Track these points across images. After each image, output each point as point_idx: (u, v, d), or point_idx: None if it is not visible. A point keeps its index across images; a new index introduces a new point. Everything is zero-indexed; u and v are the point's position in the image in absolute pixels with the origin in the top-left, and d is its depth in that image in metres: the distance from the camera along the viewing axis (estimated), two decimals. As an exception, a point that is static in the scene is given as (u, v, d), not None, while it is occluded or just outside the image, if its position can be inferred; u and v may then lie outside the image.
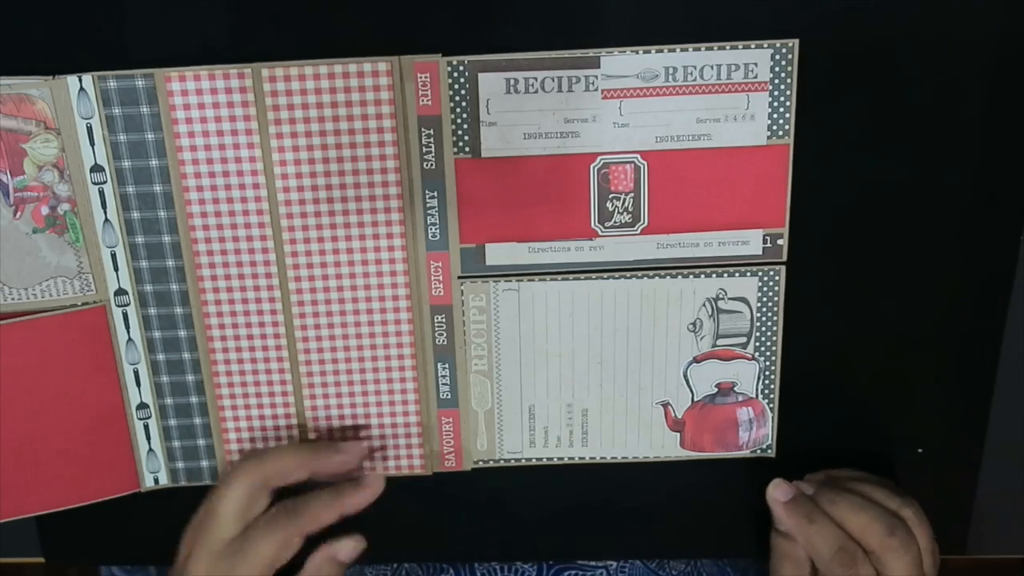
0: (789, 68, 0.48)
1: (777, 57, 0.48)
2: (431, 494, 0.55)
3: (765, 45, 0.48)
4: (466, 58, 0.48)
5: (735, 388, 0.54)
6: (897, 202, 0.51)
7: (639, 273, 0.52)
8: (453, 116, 0.49)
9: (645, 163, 0.50)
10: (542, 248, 0.51)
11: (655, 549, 0.59)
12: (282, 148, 0.49)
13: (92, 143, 0.49)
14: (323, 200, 0.50)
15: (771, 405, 0.54)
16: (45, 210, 0.50)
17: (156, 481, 0.55)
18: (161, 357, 0.53)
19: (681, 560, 0.61)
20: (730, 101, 0.49)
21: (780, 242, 0.51)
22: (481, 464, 0.55)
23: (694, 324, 0.53)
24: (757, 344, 0.53)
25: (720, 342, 0.53)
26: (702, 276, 0.52)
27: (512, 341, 0.53)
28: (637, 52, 0.48)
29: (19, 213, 0.49)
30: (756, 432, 0.55)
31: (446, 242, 0.51)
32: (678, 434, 0.55)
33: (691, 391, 0.54)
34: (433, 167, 0.50)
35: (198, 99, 0.48)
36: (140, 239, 0.51)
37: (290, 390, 0.53)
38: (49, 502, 0.54)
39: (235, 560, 0.48)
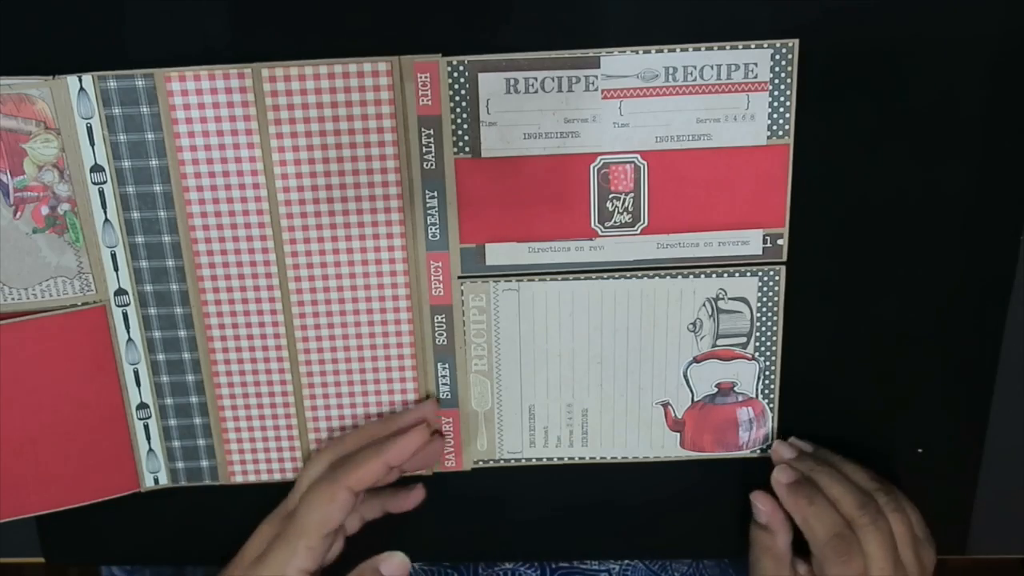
0: (789, 68, 0.48)
1: (777, 57, 0.48)
2: (431, 494, 0.55)
3: (765, 45, 0.48)
4: (466, 58, 0.48)
5: (735, 388, 0.54)
6: (897, 202, 0.51)
7: (639, 273, 0.52)
8: (453, 116, 0.49)
9: (645, 163, 0.50)
10: (542, 248, 0.51)
11: (655, 549, 0.59)
12: (282, 148, 0.49)
13: (92, 143, 0.49)
14: (323, 200, 0.50)
15: (771, 405, 0.54)
16: (45, 210, 0.50)
17: (156, 481, 0.55)
18: (161, 357, 0.53)
19: (684, 562, 0.61)
20: (730, 101, 0.49)
21: (780, 242, 0.51)
22: (481, 464, 0.55)
23: (694, 324, 0.53)
24: (757, 344, 0.53)
25: (720, 342, 0.53)
26: (702, 276, 0.52)
27: (512, 341, 0.53)
28: (637, 52, 0.48)
29: (19, 213, 0.49)
30: (756, 432, 0.55)
31: (446, 242, 0.51)
32: (678, 434, 0.55)
33: (691, 391, 0.54)
34: (433, 167, 0.50)
35: (198, 99, 0.48)
36: (140, 239, 0.51)
37: (290, 390, 0.53)
38: (49, 502, 0.54)
39: (287, 521, 0.49)
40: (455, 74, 0.48)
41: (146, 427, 0.54)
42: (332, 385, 0.53)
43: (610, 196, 0.50)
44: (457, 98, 0.49)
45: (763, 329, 0.53)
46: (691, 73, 0.48)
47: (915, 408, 0.54)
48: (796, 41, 0.48)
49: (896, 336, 0.53)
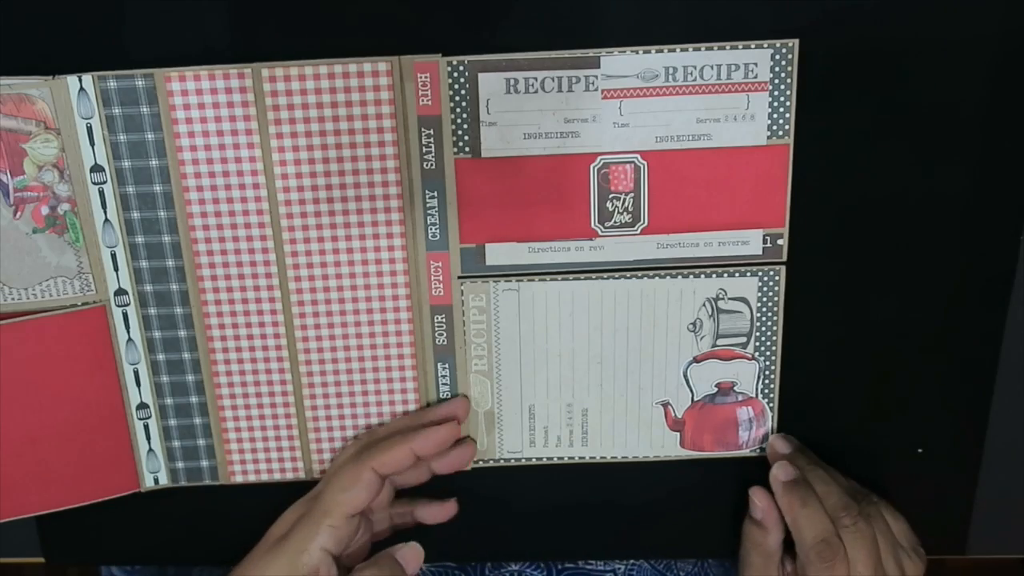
0: (789, 68, 0.48)
1: (777, 57, 0.48)
2: (432, 494, 0.54)
3: (765, 45, 0.48)
4: (466, 58, 0.48)
5: (735, 388, 0.54)
6: (897, 202, 0.51)
7: (639, 273, 0.52)
8: (453, 116, 0.49)
9: (645, 163, 0.50)
10: (542, 248, 0.51)
11: (655, 548, 0.59)
12: (282, 148, 0.49)
13: (92, 143, 0.49)
14: (323, 200, 0.50)
15: (771, 405, 0.54)
16: (45, 210, 0.50)
17: (156, 481, 0.55)
18: (161, 357, 0.53)
19: (688, 561, 0.61)
20: (730, 101, 0.49)
21: (780, 242, 0.51)
22: (481, 464, 0.55)
23: (694, 324, 0.53)
24: (757, 344, 0.53)
25: (720, 342, 0.53)
26: (702, 276, 0.52)
27: (512, 341, 0.53)
28: (637, 52, 0.48)
29: (19, 213, 0.49)
30: (756, 431, 0.55)
31: (446, 242, 0.51)
32: (678, 434, 0.55)
33: (691, 391, 0.54)
34: (433, 167, 0.50)
35: (198, 99, 0.48)
36: (140, 239, 0.51)
37: (290, 390, 0.53)
38: (49, 502, 0.54)
39: (313, 502, 0.50)
40: (455, 74, 0.48)
41: (146, 427, 0.54)
42: (332, 385, 0.53)
43: (610, 196, 0.50)
44: (457, 98, 0.49)
45: (763, 329, 0.53)
46: (691, 73, 0.48)
47: (915, 408, 0.54)
48: (796, 41, 0.48)
49: (896, 336, 0.53)
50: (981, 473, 0.56)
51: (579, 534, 0.57)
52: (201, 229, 0.50)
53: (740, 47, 0.48)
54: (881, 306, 0.52)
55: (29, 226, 0.50)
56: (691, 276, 0.52)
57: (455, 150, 0.49)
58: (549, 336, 0.53)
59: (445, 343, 0.53)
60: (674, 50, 0.48)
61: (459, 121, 0.49)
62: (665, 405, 0.54)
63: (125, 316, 0.52)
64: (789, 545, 0.52)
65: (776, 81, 0.48)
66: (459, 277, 0.52)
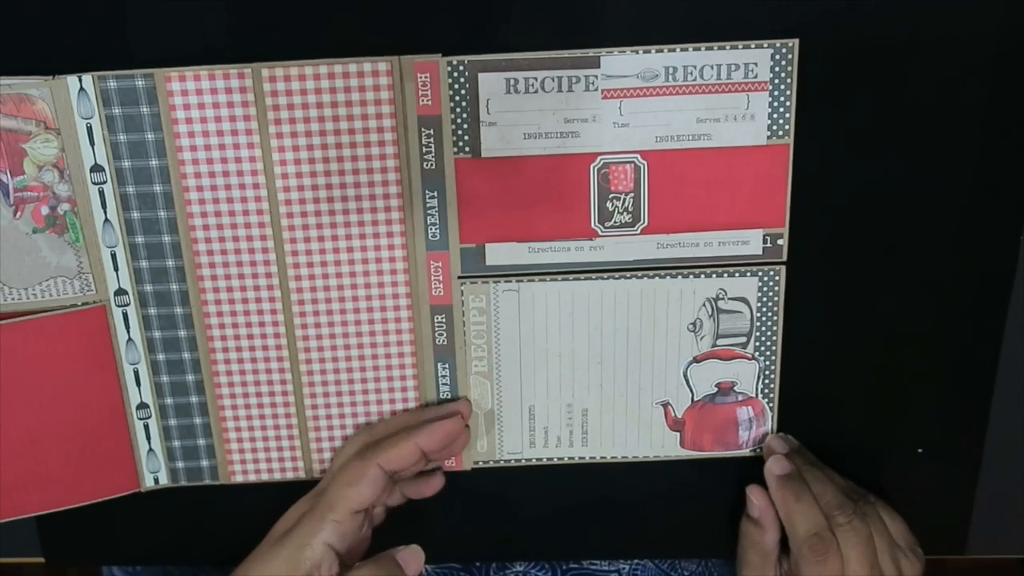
0: (789, 68, 0.48)
1: (777, 57, 0.48)
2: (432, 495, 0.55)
3: (765, 45, 0.48)
4: (466, 58, 0.48)
5: (735, 388, 0.54)
6: (897, 202, 0.51)
7: (639, 273, 0.52)
8: (453, 116, 0.49)
9: (645, 163, 0.50)
10: (542, 248, 0.51)
11: (655, 548, 0.59)
12: (282, 148, 0.49)
13: (92, 143, 0.49)
14: (323, 200, 0.50)
15: (771, 404, 0.54)
16: (45, 210, 0.50)
17: (156, 481, 0.55)
18: (161, 357, 0.53)
19: (692, 560, 0.61)
20: (730, 101, 0.49)
21: (780, 242, 0.51)
22: (481, 464, 0.55)
23: (694, 324, 0.53)
24: (757, 344, 0.53)
25: (720, 342, 0.53)
26: (702, 276, 0.52)
27: (512, 342, 0.53)
28: (637, 52, 0.48)
29: (19, 213, 0.49)
30: (756, 431, 0.55)
31: (446, 242, 0.51)
32: (678, 434, 0.55)
33: (691, 391, 0.54)
34: (433, 167, 0.50)
35: (198, 99, 0.48)
36: (140, 239, 0.51)
37: (290, 390, 0.53)
38: (49, 502, 0.54)
39: (318, 498, 0.50)
40: (455, 74, 0.48)
41: (146, 427, 0.54)
42: (332, 385, 0.53)
43: (610, 196, 0.50)
44: (457, 98, 0.49)
45: (763, 329, 0.53)
46: (691, 73, 0.48)
47: (915, 408, 0.54)
48: (796, 41, 0.48)
49: (896, 336, 0.53)
50: (981, 473, 0.56)
51: (580, 534, 0.57)
52: (201, 229, 0.50)
53: (740, 47, 0.48)
54: (881, 306, 0.52)
55: (29, 226, 0.50)
56: (691, 276, 0.52)
57: (455, 150, 0.49)
58: (549, 336, 0.53)
59: (445, 343, 0.53)
60: (674, 50, 0.48)
61: (459, 121, 0.49)
62: (665, 405, 0.54)
63: (125, 316, 0.52)
64: (787, 544, 0.52)
65: (776, 81, 0.48)
66: (459, 277, 0.52)
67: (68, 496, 0.54)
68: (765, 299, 0.52)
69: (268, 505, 0.53)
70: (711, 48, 0.48)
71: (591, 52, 0.48)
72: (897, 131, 0.50)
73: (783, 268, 0.52)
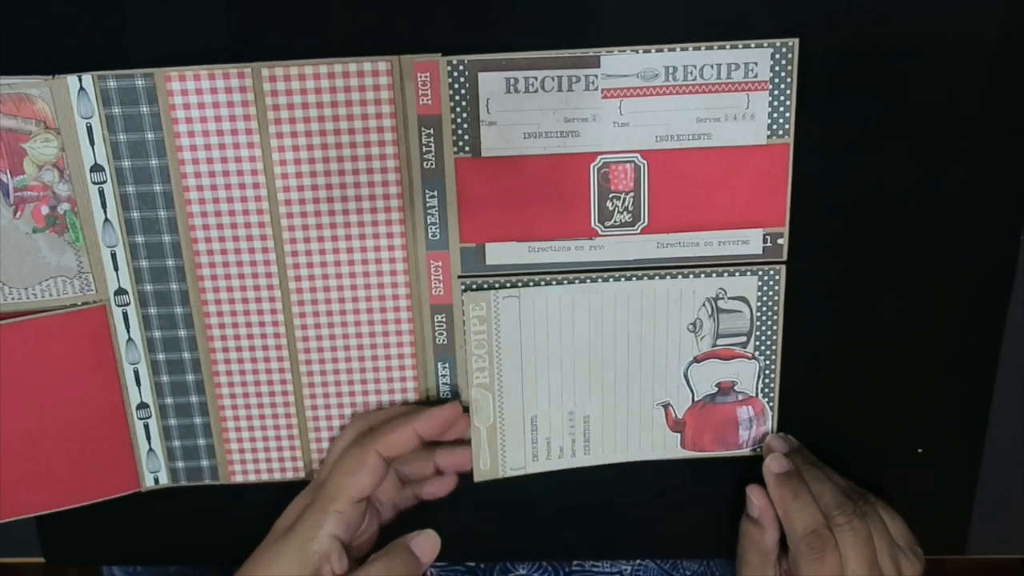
0: (789, 68, 0.48)
1: (777, 56, 0.48)
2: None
3: (765, 44, 0.48)
4: (466, 58, 0.48)
5: (735, 387, 0.54)
6: (897, 202, 0.51)
7: (639, 273, 0.52)
8: (453, 116, 0.49)
9: (645, 162, 0.50)
10: (542, 247, 0.51)
11: (656, 548, 0.59)
12: (282, 148, 0.49)
13: (92, 143, 0.49)
14: (323, 200, 0.50)
15: (771, 404, 0.54)
16: (45, 210, 0.50)
17: (156, 481, 0.55)
18: (161, 357, 0.53)
19: (695, 561, 0.61)
20: (730, 100, 0.49)
21: (780, 242, 0.51)
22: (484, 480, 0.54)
23: (694, 324, 0.53)
24: (757, 343, 0.53)
25: (720, 342, 0.53)
26: (702, 276, 0.52)
27: (513, 349, 0.52)
28: (637, 52, 0.48)
29: (19, 213, 0.49)
30: (756, 431, 0.55)
31: (446, 242, 0.51)
32: (679, 434, 0.55)
33: (691, 391, 0.54)
34: (433, 167, 0.50)
35: (198, 99, 0.48)
36: (140, 239, 0.51)
37: (290, 390, 0.53)
38: (49, 502, 0.54)
39: (318, 489, 0.49)
40: (455, 74, 0.48)
41: (146, 427, 0.54)
42: (332, 385, 0.53)
43: (610, 195, 0.50)
44: (457, 98, 0.49)
45: (763, 328, 0.53)
46: (691, 72, 0.48)
47: (915, 408, 0.54)
48: (796, 41, 0.48)
49: (896, 336, 0.53)
50: (981, 473, 0.56)
51: (581, 535, 0.57)
52: (201, 229, 0.50)
53: (740, 46, 0.48)
54: (881, 306, 0.52)
55: (29, 226, 0.50)
56: (691, 276, 0.52)
57: (455, 150, 0.49)
58: (550, 342, 0.52)
59: (445, 342, 0.53)
60: (674, 49, 0.48)
61: (459, 121, 0.49)
62: (666, 406, 0.54)
63: (125, 316, 0.52)
64: (787, 544, 0.52)
65: (776, 80, 0.48)
66: (459, 276, 0.52)
67: (68, 496, 0.54)
68: (765, 299, 0.52)
69: (268, 505, 0.53)
70: (711, 48, 0.48)
71: (591, 51, 0.48)
72: (897, 131, 0.50)
73: (783, 268, 0.52)
